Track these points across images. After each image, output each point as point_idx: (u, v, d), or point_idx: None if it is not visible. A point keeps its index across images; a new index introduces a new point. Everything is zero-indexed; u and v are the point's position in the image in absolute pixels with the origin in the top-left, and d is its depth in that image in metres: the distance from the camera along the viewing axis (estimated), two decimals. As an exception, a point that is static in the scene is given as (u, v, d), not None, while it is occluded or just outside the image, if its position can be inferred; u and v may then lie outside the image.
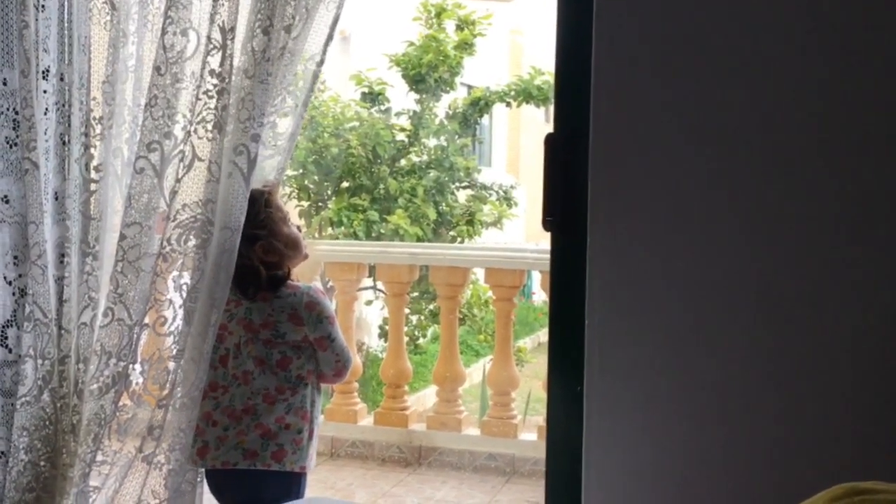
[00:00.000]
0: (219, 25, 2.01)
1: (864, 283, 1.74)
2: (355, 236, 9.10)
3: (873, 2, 1.71)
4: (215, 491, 2.23)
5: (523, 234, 14.10)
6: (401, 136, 9.98)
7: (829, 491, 1.11)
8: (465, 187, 10.41)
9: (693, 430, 1.83)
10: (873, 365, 1.74)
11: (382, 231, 9.30)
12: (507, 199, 10.55)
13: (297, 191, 9.53)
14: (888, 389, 1.73)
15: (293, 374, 2.19)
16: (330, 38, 2.13)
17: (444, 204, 9.91)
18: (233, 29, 2.02)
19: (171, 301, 2.10)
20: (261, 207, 2.19)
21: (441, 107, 10.41)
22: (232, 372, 2.19)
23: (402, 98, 10.21)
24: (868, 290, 1.74)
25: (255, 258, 2.19)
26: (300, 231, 2.31)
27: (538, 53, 12.90)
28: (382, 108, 10.13)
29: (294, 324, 2.19)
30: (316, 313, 2.20)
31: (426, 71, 9.92)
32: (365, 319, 10.07)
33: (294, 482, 2.19)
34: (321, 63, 2.14)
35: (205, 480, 2.24)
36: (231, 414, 2.18)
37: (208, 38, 2.02)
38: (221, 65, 2.02)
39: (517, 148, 17.17)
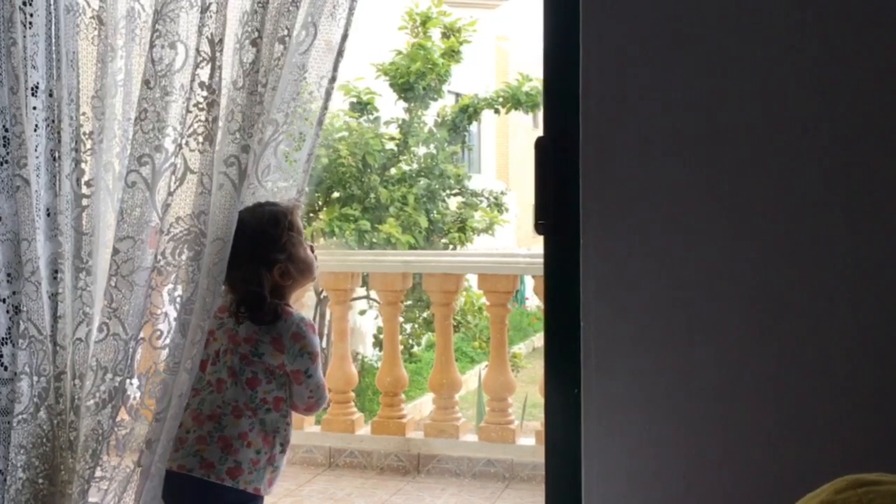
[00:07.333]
0: (207, 38, 2.00)
1: (860, 280, 1.74)
2: (348, 246, 9.10)
3: (864, 1, 1.73)
4: (168, 495, 2.18)
5: (514, 240, 14.14)
6: (390, 145, 9.98)
7: (833, 483, 1.11)
8: (455, 194, 10.43)
9: (692, 429, 1.83)
10: (871, 360, 1.74)
11: (375, 240, 9.29)
12: (497, 206, 10.58)
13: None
14: (887, 385, 1.73)
15: (258, 396, 2.16)
16: (341, 53, 2.08)
17: (435, 211, 9.92)
18: (221, 41, 2.01)
19: (166, 314, 2.09)
20: (283, 230, 2.15)
21: (430, 115, 10.43)
22: (208, 378, 2.17)
23: (390, 107, 10.22)
24: (864, 288, 1.74)
25: (268, 284, 2.14)
26: (313, 252, 2.26)
27: (524, 59, 12.96)
28: (371, 117, 10.14)
29: (275, 348, 2.16)
30: (299, 346, 2.16)
31: (414, 79, 9.93)
32: (359, 329, 10.06)
33: (249, 501, 2.17)
34: (333, 80, 2.09)
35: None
36: (196, 417, 2.15)
37: (197, 50, 2.01)
38: (211, 77, 2.01)
39: (506, 154, 17.22)
